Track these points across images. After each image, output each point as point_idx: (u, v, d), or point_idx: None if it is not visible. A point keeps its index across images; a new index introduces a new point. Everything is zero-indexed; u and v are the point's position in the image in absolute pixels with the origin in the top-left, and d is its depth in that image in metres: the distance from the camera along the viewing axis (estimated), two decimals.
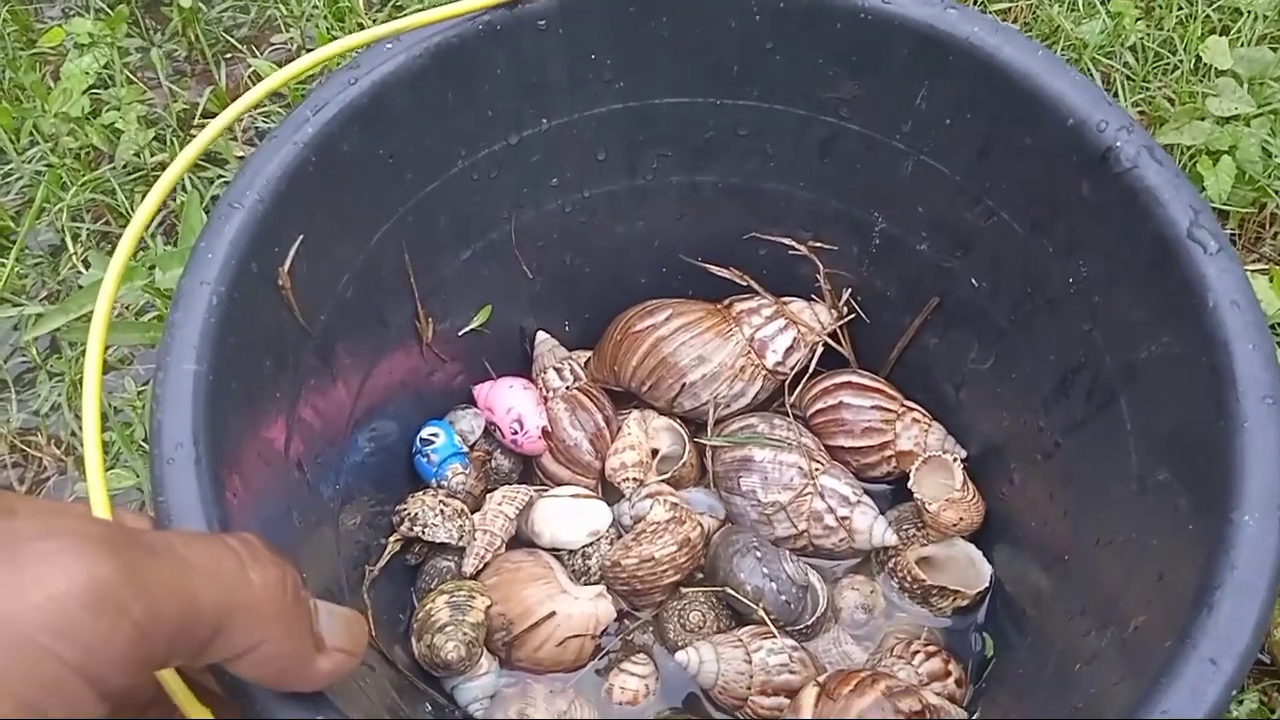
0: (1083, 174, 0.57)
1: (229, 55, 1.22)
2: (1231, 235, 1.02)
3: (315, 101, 0.57)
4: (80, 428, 0.97)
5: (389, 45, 0.59)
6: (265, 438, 0.55)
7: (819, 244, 0.77)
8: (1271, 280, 0.94)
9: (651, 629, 0.74)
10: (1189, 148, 1.03)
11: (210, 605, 0.32)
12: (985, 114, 0.62)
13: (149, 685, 0.40)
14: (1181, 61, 1.10)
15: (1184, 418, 0.51)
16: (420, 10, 1.16)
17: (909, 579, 0.73)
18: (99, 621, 0.28)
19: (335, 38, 1.16)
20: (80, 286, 0.99)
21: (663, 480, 0.77)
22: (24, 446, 0.96)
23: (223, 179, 1.07)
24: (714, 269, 0.81)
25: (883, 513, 0.75)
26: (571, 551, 0.75)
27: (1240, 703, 0.75)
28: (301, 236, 0.56)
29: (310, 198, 0.57)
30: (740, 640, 0.69)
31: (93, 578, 0.28)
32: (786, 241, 0.78)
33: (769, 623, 0.69)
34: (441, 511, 0.72)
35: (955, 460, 0.74)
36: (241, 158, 1.10)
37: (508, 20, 0.62)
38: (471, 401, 0.81)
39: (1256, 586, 0.42)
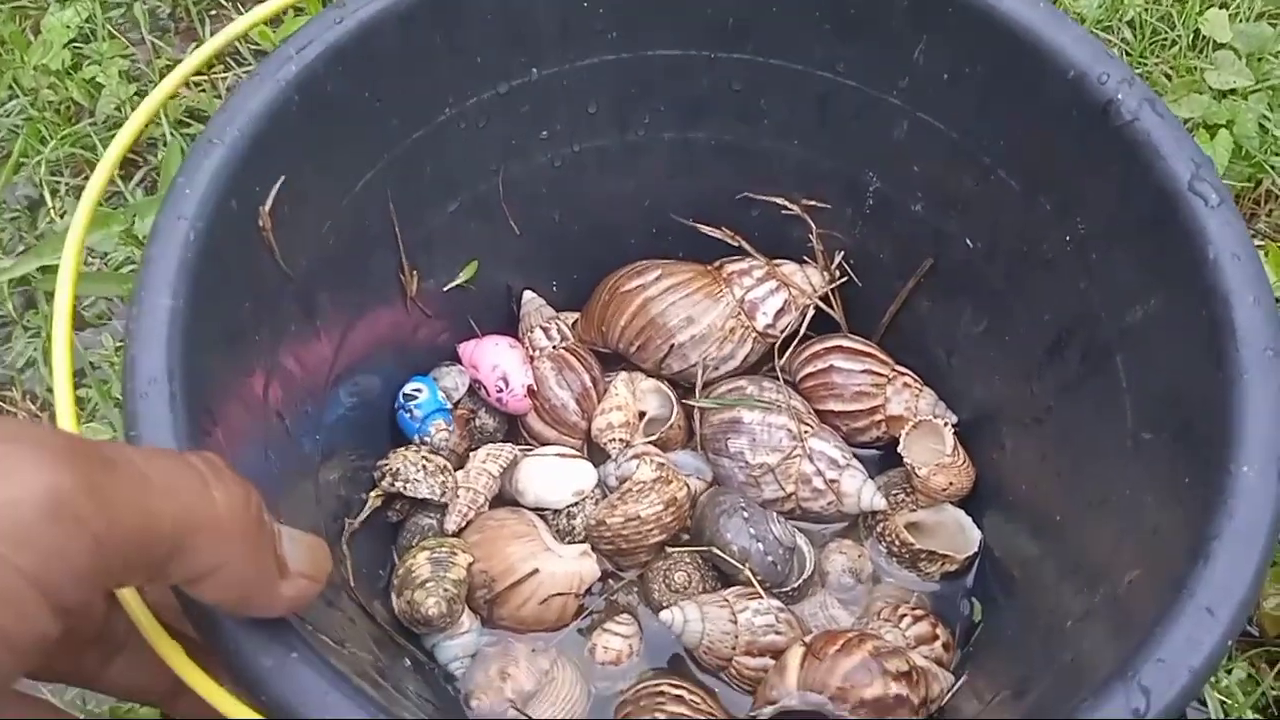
0: (1083, 128, 0.56)
1: (213, 12, 1.19)
2: None
3: (299, 39, 0.56)
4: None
5: None
6: (244, 382, 0.53)
7: (812, 202, 0.76)
8: (1267, 256, 0.93)
9: (636, 590, 0.73)
10: (1186, 120, 1.02)
11: (170, 522, 0.31)
12: (984, 68, 0.61)
13: (98, 614, 0.39)
14: (1180, 36, 1.09)
15: (1182, 372, 0.50)
16: None
17: (897, 543, 0.72)
18: (56, 531, 0.27)
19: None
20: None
21: (649, 442, 0.76)
22: None
23: None
24: (705, 229, 0.79)
25: (872, 478, 0.74)
26: (556, 511, 0.74)
27: (1229, 672, 0.75)
28: (283, 177, 0.55)
29: (293, 138, 0.55)
30: (726, 600, 0.68)
31: (50, 486, 0.28)
32: (779, 201, 0.76)
33: (755, 583, 0.68)
34: (424, 467, 0.71)
35: (946, 425, 0.74)
36: None
37: None
38: (456, 360, 0.79)
39: (1255, 536, 0.42)
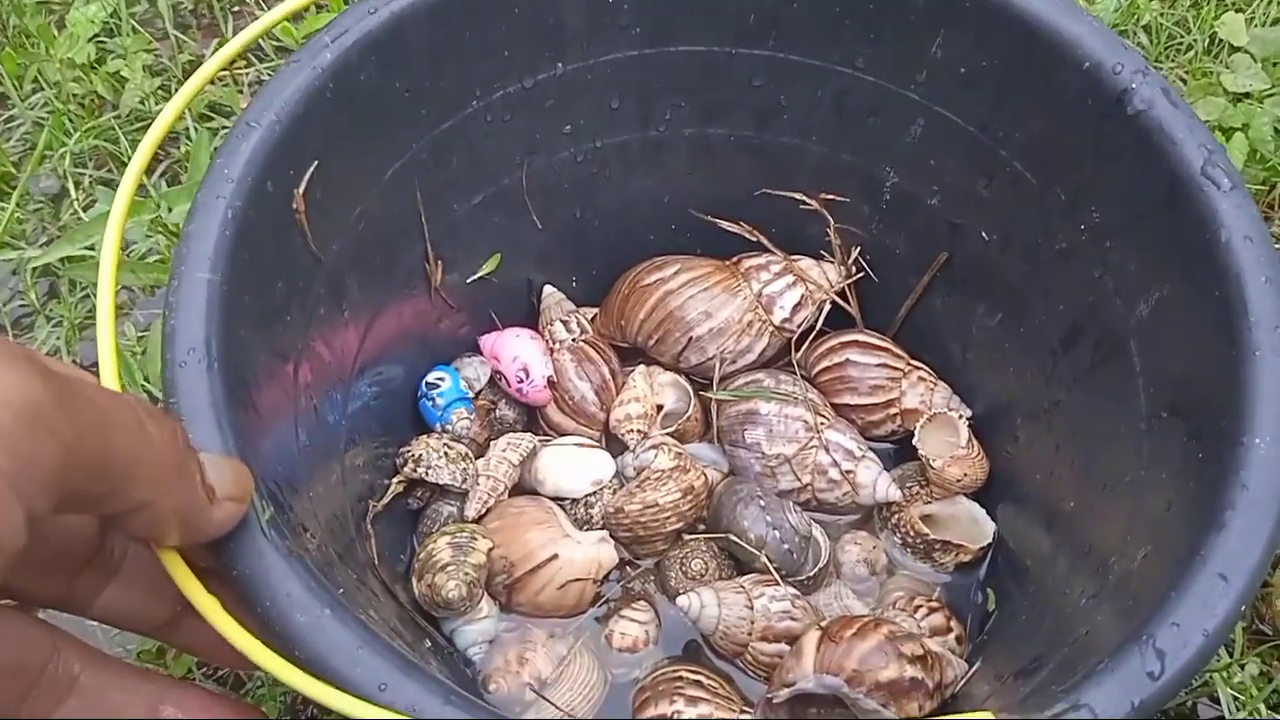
0: (1098, 118, 0.57)
1: (236, 9, 1.21)
2: None
3: (334, 29, 0.58)
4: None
5: None
6: (276, 360, 0.55)
7: (830, 197, 0.77)
8: None
9: (653, 577, 0.74)
10: (1203, 123, 1.03)
11: (121, 449, 0.32)
12: (1001, 61, 0.62)
13: (90, 536, 0.40)
14: (1195, 41, 1.10)
15: (1195, 353, 0.51)
16: None
17: (912, 533, 0.73)
18: (32, 437, 0.29)
19: None
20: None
21: (667, 434, 0.77)
22: None
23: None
24: (723, 223, 0.81)
25: (887, 470, 0.75)
26: (574, 500, 0.75)
27: (1242, 667, 0.75)
28: (316, 162, 0.56)
29: (326, 125, 0.57)
30: (742, 587, 0.69)
31: (29, 396, 0.29)
32: (797, 197, 0.77)
33: (771, 571, 0.69)
34: (445, 454, 0.72)
35: (960, 418, 0.74)
36: None
37: None
38: (478, 352, 0.81)
39: (1268, 506, 0.43)
